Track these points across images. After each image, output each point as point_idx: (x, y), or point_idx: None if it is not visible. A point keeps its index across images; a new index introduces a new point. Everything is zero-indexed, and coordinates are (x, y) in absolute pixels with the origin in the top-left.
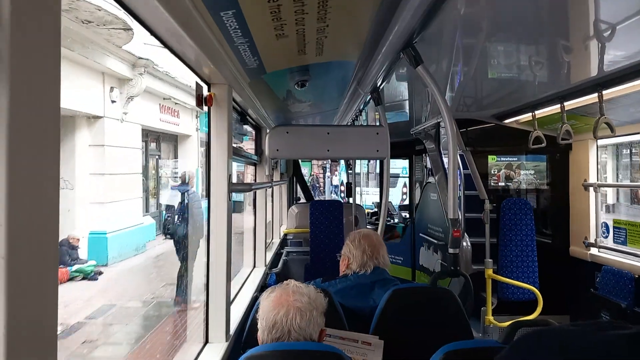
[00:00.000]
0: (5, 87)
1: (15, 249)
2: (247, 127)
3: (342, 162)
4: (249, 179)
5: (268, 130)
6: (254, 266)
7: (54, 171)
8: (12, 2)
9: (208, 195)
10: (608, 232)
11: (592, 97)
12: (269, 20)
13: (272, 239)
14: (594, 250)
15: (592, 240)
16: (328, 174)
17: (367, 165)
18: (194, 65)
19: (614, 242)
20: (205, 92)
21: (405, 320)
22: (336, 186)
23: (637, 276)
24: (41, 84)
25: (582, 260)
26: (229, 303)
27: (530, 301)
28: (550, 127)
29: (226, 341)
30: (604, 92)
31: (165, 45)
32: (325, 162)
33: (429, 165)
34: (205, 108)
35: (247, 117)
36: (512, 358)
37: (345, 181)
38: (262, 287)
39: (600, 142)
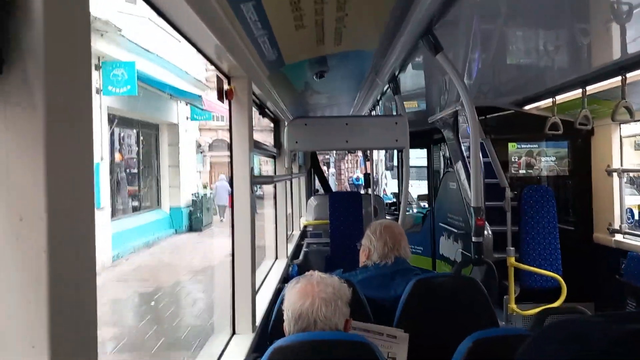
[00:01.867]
0: (41, 85)
1: (56, 243)
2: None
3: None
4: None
5: (286, 123)
6: (276, 258)
7: (89, 164)
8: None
9: (231, 188)
10: (633, 218)
11: (616, 81)
12: (289, 11)
13: (293, 231)
14: (618, 237)
15: (616, 226)
16: (332, 170)
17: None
18: (215, 58)
19: None
20: (225, 86)
21: (429, 310)
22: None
23: None
24: (75, 80)
25: (607, 246)
26: (254, 294)
27: (553, 289)
28: (573, 112)
29: (253, 332)
30: (627, 75)
31: (186, 38)
32: (327, 157)
33: (447, 155)
34: (227, 102)
35: (266, 109)
36: (533, 347)
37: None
38: (284, 279)
39: None
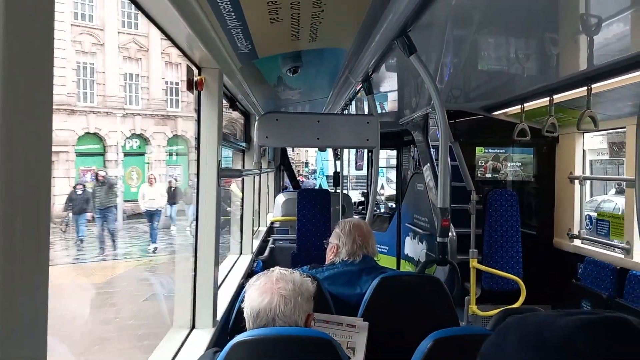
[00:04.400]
0: None
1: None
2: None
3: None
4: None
5: (257, 117)
6: (241, 253)
7: (46, 156)
8: None
9: (197, 181)
10: (592, 224)
11: (581, 91)
12: (264, 4)
13: (259, 226)
14: (577, 242)
15: (575, 232)
16: None
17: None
18: (186, 48)
19: (598, 234)
20: (195, 76)
21: (392, 307)
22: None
23: (618, 268)
24: (33, 62)
25: (565, 251)
26: (216, 289)
27: (513, 291)
28: (539, 119)
29: (213, 327)
30: (592, 85)
31: (157, 26)
32: None
33: (416, 156)
34: (196, 92)
35: (237, 103)
36: (493, 343)
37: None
38: (248, 274)
39: None
